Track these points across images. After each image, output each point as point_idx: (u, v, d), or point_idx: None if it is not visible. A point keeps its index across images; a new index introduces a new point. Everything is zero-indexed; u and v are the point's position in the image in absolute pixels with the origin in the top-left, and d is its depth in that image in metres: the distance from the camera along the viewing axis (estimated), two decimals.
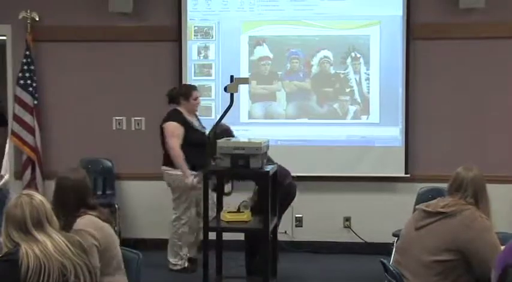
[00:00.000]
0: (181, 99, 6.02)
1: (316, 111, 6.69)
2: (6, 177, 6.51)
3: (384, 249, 5.82)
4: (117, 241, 3.59)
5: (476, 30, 6.53)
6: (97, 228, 3.44)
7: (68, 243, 2.79)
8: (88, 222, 3.45)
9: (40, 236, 2.75)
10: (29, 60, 6.77)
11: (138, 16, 6.78)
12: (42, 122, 6.84)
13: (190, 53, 6.76)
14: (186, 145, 5.88)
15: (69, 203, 3.45)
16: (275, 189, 5.50)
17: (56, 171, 6.78)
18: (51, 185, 6.90)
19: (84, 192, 3.53)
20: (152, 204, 6.82)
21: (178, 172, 5.85)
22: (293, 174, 6.23)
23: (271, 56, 6.75)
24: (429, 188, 5.62)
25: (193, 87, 6.11)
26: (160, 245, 6.59)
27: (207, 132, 5.78)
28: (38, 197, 2.86)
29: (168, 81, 6.81)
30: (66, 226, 3.33)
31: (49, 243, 2.74)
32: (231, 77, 5.32)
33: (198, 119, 6.15)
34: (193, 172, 5.85)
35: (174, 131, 5.88)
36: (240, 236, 5.84)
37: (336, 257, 6.24)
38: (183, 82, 6.71)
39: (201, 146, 5.45)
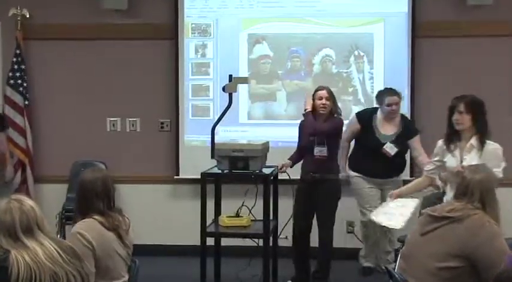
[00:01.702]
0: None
1: None
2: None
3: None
4: (118, 251, 3.62)
5: (485, 27, 6.53)
6: (95, 233, 3.51)
7: (60, 250, 2.79)
8: (85, 225, 3.53)
9: (30, 243, 2.75)
10: (19, 59, 6.76)
11: (133, 13, 6.78)
12: (33, 123, 6.84)
13: (187, 52, 6.76)
14: (358, 147, 6.06)
15: (77, 204, 3.63)
16: (277, 192, 5.52)
17: (48, 174, 6.85)
18: (43, 188, 7.00)
19: (90, 195, 3.60)
20: (148, 209, 6.81)
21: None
22: (293, 177, 6.23)
23: (271, 54, 6.75)
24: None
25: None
26: (157, 251, 6.60)
27: (387, 144, 5.92)
28: (29, 202, 2.85)
29: (164, 81, 6.82)
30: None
31: (39, 251, 2.74)
32: (230, 76, 5.33)
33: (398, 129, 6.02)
34: (354, 173, 6.01)
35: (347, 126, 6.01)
36: (239, 242, 5.85)
37: (339, 263, 6.22)
38: (180, 81, 6.72)
39: (372, 153, 5.86)
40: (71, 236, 3.51)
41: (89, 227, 3.53)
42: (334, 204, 5.58)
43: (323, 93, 5.60)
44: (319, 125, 5.53)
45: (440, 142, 4.79)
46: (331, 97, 5.62)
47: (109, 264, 3.57)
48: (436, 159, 4.84)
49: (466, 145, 4.67)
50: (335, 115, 5.63)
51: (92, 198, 3.59)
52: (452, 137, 4.69)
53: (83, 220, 3.56)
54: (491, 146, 4.68)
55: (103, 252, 3.53)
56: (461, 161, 4.62)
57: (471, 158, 4.59)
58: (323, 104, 5.57)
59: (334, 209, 5.59)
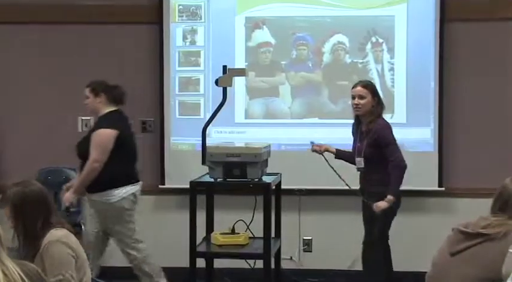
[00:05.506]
0: None
1: (328, 109, 6.70)
2: None
3: (414, 279, 5.81)
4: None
5: None
6: (74, 240, 3.81)
7: (22, 273, 2.76)
8: (62, 233, 3.76)
9: None
10: None
11: None
12: None
13: (173, 38, 6.77)
14: None
15: (35, 221, 3.74)
16: (279, 204, 5.52)
17: (8, 183, 6.83)
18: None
19: (49, 207, 3.81)
20: None
21: None
22: (301, 186, 6.23)
23: (273, 41, 6.75)
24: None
25: None
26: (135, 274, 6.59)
27: None
28: None
29: (146, 73, 6.82)
30: (29, 249, 3.71)
31: (1, 275, 2.70)
32: (224, 67, 5.33)
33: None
34: None
35: None
36: (236, 263, 5.83)
37: None
38: (165, 73, 6.72)
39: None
40: (50, 245, 3.70)
41: (67, 234, 3.76)
42: (380, 222, 5.61)
43: (355, 90, 5.71)
44: (360, 145, 5.67)
45: None
46: (370, 94, 5.67)
47: (83, 276, 3.82)
48: None
49: None
50: (379, 117, 5.69)
51: (49, 211, 3.80)
52: None
53: (56, 229, 3.74)
54: None
55: (81, 263, 3.79)
56: None
57: None
58: (355, 105, 5.67)
59: (380, 227, 5.65)
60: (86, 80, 6.80)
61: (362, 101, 5.63)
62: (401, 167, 5.55)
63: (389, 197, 5.48)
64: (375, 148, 5.58)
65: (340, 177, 5.72)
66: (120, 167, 5.68)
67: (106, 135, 5.70)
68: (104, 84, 5.91)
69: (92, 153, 5.64)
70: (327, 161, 5.78)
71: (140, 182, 5.89)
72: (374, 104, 5.64)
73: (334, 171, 5.72)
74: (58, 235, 3.73)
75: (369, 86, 5.71)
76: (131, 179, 5.80)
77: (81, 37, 6.85)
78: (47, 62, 6.88)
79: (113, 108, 5.86)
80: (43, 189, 3.84)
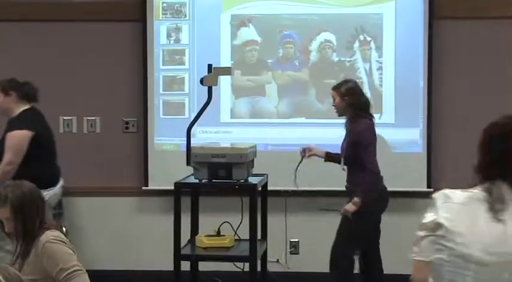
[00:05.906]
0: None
1: (315, 109, 6.70)
2: None
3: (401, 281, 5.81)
4: None
5: None
6: (69, 241, 3.91)
7: (1, 277, 2.75)
8: (55, 232, 3.86)
9: None
10: None
11: None
12: None
13: (157, 36, 6.75)
14: None
15: (34, 220, 3.83)
16: (266, 206, 5.52)
17: None
18: None
19: (44, 207, 3.92)
20: (110, 227, 6.79)
21: None
22: (287, 188, 6.22)
23: (259, 39, 6.75)
24: None
25: None
26: (121, 278, 6.57)
27: None
28: None
29: (129, 72, 6.80)
30: (26, 250, 3.82)
31: None
32: (209, 66, 5.32)
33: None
34: None
35: None
36: (221, 266, 5.82)
37: None
38: (148, 72, 6.69)
39: None
40: (50, 244, 3.77)
41: (61, 235, 3.88)
42: (349, 222, 5.61)
43: (330, 93, 5.77)
44: (344, 146, 5.74)
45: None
46: (338, 95, 5.68)
47: None
48: None
49: None
50: (360, 117, 5.69)
51: (43, 211, 3.90)
52: None
53: (50, 230, 3.84)
54: None
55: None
56: None
57: None
58: (333, 106, 5.75)
59: (347, 227, 5.64)
60: (68, 78, 6.83)
61: (334, 103, 5.73)
62: (372, 172, 5.59)
63: (355, 199, 5.50)
64: (353, 148, 5.61)
65: (295, 182, 5.89)
66: (36, 169, 5.52)
67: (20, 137, 5.61)
68: (13, 82, 5.81)
69: (5, 155, 5.57)
70: (299, 163, 5.93)
71: (57, 186, 5.80)
72: (345, 104, 5.66)
73: (295, 177, 5.88)
74: (54, 235, 3.81)
75: (338, 87, 5.74)
76: (47, 183, 5.60)
77: (63, 35, 6.82)
78: (28, 61, 6.82)
79: (26, 107, 5.78)
80: (38, 190, 3.90)
